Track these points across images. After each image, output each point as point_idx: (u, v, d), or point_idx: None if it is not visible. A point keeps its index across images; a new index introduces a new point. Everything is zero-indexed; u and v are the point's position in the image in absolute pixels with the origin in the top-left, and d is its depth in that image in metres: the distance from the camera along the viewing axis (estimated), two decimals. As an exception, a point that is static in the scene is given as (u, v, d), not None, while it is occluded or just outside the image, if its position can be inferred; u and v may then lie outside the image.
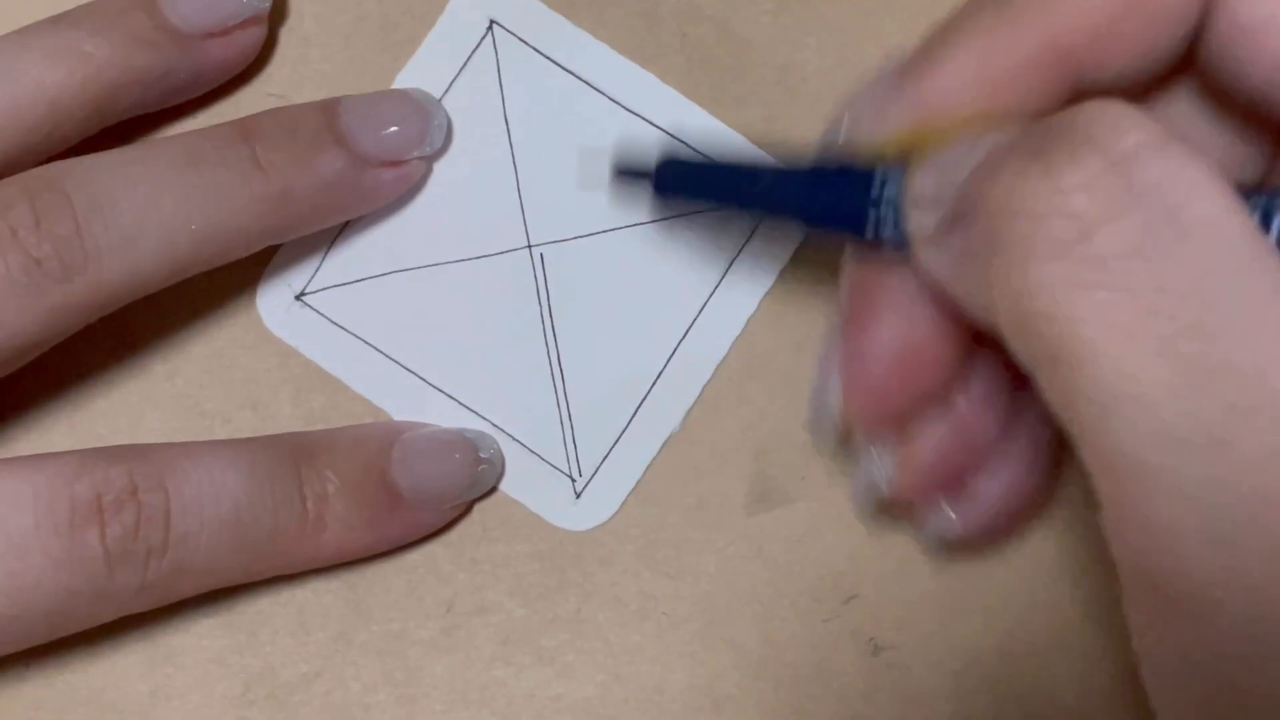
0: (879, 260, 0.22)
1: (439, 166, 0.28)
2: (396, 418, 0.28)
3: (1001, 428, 0.23)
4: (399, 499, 0.26)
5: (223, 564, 0.25)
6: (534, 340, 0.28)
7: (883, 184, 0.21)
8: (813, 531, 0.27)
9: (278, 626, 0.27)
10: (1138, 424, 0.16)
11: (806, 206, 0.22)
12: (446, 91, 0.28)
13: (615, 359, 0.28)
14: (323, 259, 0.28)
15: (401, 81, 0.28)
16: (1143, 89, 0.21)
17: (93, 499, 0.23)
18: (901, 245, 0.21)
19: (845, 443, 0.26)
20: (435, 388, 0.28)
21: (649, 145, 0.25)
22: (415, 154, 0.27)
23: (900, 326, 0.22)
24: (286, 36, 0.28)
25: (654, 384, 0.27)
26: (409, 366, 0.28)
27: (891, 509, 0.26)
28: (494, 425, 0.28)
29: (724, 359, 0.28)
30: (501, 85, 0.28)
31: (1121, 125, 0.17)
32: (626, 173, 0.24)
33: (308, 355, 0.28)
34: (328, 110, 0.26)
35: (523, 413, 0.28)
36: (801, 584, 0.27)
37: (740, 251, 0.28)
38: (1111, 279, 0.16)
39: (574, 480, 0.27)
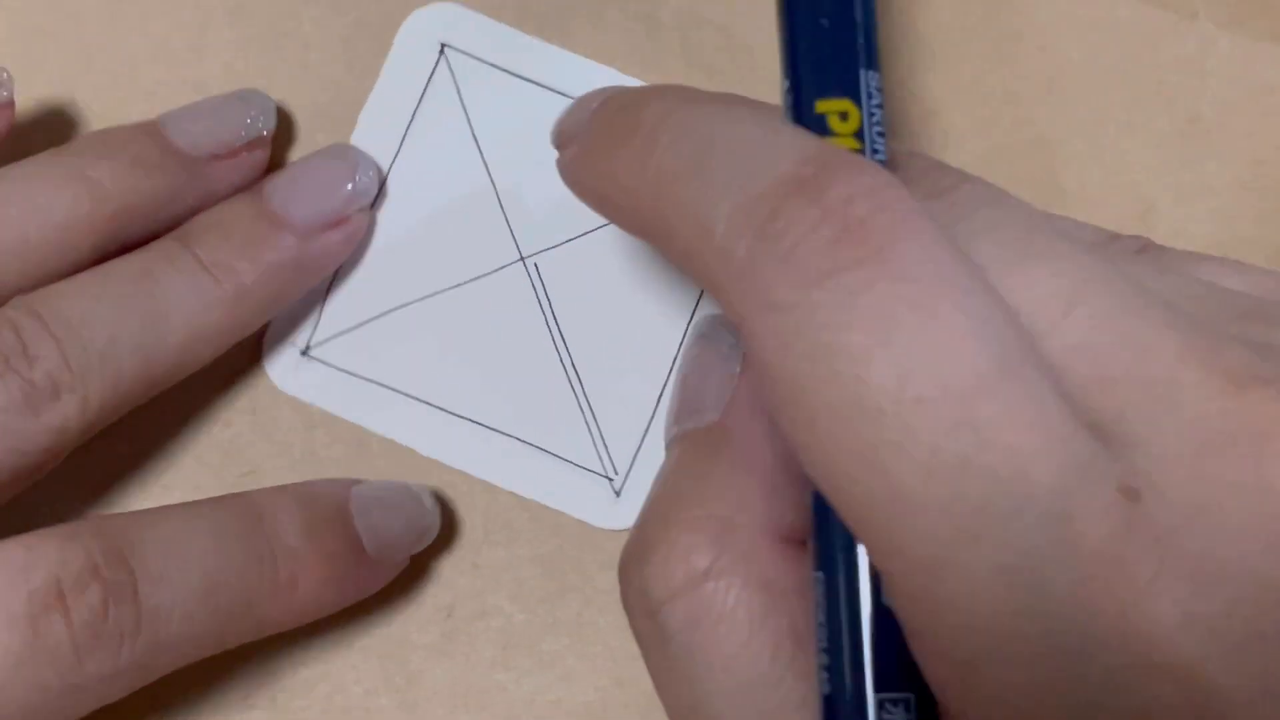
0: None
1: (420, 196, 0.28)
2: (425, 454, 0.28)
3: None
4: (363, 551, 0.26)
5: (199, 634, 0.23)
6: (544, 350, 0.28)
7: None
8: (813, 536, 0.27)
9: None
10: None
11: None
12: (411, 121, 0.28)
13: (628, 352, 0.28)
14: (320, 310, 0.28)
15: (365, 116, 0.28)
16: None
17: (51, 584, 0.22)
18: None
19: None
20: (457, 415, 0.28)
21: None
22: (354, 209, 0.27)
23: None
24: (286, 40, 0.28)
25: (671, 368, 0.27)
26: (427, 400, 0.28)
27: None
28: (522, 441, 0.27)
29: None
30: (464, 105, 0.28)
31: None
32: None
33: (325, 408, 0.28)
34: (255, 196, 0.26)
35: (548, 424, 0.28)
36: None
37: None
38: None
39: (611, 480, 0.27)
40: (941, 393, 0.16)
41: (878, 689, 0.17)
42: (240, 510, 0.25)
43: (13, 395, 0.23)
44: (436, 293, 0.28)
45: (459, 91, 0.28)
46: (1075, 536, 0.15)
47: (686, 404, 0.22)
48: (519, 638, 0.27)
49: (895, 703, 0.17)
